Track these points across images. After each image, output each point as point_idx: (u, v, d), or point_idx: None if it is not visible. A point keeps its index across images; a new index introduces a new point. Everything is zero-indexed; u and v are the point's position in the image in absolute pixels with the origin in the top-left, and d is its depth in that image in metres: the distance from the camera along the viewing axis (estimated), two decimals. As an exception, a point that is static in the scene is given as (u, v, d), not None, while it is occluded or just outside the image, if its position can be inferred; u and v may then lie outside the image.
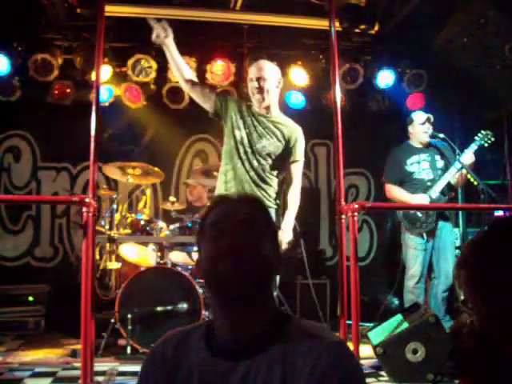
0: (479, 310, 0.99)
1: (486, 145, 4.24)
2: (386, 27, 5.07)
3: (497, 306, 0.95)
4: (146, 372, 1.21)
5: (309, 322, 1.16)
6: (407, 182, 4.32)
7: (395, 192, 4.35)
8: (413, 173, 4.32)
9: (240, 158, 3.14)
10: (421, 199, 4.18)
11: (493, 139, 4.25)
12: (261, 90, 3.14)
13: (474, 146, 4.21)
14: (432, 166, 4.33)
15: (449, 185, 4.27)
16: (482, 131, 4.26)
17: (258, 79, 3.15)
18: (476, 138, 4.24)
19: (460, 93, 5.53)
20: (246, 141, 3.14)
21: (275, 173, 3.19)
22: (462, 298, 1.04)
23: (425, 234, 4.21)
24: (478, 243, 1.03)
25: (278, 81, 3.24)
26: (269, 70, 3.20)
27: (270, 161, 3.15)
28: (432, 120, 4.38)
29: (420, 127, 4.38)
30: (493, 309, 0.97)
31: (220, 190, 3.18)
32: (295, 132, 3.21)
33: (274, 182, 3.19)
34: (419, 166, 4.33)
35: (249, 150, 3.14)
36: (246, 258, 1.11)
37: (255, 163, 3.13)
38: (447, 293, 4.25)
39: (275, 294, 3.18)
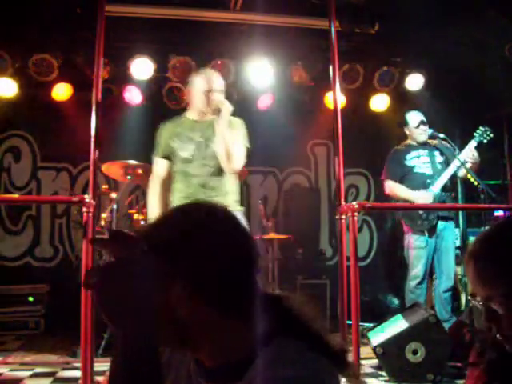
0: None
1: (485, 141, 4.21)
2: (386, 27, 5.07)
3: None
4: None
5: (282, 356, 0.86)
6: (407, 177, 4.30)
7: (395, 188, 4.31)
8: (413, 167, 4.30)
9: None
10: (424, 195, 4.14)
11: (491, 135, 4.21)
12: None
13: (473, 143, 4.19)
14: (432, 161, 4.32)
15: (449, 182, 4.26)
16: (481, 127, 4.22)
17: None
18: (475, 134, 4.22)
19: (460, 93, 5.53)
20: None
21: None
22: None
23: (426, 232, 4.19)
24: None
25: None
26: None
27: None
28: (425, 121, 4.37)
29: (415, 130, 4.39)
30: None
31: None
32: None
33: None
34: (419, 160, 4.32)
35: None
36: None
37: None
38: (449, 293, 4.23)
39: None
